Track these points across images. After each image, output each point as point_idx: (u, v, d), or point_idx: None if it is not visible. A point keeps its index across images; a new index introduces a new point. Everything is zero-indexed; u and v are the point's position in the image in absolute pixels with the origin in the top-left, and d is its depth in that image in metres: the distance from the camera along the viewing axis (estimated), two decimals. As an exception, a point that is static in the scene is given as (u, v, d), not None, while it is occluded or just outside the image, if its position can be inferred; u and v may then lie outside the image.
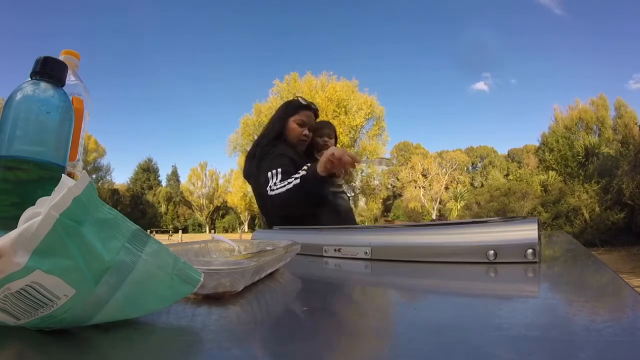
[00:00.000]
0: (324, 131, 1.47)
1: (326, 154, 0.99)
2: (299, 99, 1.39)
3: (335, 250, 0.65)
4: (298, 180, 1.05)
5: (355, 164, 1.00)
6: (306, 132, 1.33)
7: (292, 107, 1.34)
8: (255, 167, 1.25)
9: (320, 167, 1.01)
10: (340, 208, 1.28)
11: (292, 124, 1.31)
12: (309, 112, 1.34)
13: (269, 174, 1.15)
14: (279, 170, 1.14)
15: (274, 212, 1.18)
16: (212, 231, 29.10)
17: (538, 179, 15.74)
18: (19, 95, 0.36)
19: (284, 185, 1.08)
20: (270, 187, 1.12)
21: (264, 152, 1.25)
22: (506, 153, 29.24)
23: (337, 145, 1.54)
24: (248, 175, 1.35)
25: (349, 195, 1.45)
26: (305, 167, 1.07)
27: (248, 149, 1.45)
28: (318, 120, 1.42)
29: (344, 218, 1.27)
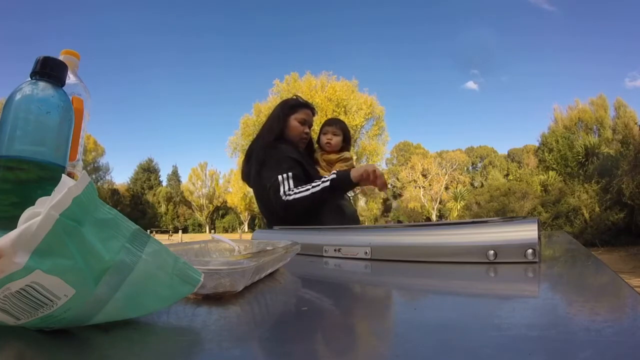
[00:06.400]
0: (328, 128, 1.47)
1: (370, 167, 1.09)
2: (297, 97, 1.38)
3: (335, 250, 0.65)
4: (328, 183, 1.08)
5: (382, 188, 1.10)
6: (307, 130, 1.32)
7: (291, 106, 1.33)
8: (256, 169, 1.23)
9: (355, 174, 1.08)
10: (345, 209, 1.28)
11: (294, 121, 1.29)
12: (308, 110, 1.33)
13: (279, 177, 1.13)
14: (290, 174, 1.13)
15: (287, 216, 1.12)
16: (212, 231, 29.08)
17: (538, 179, 15.71)
18: (18, 95, 0.36)
19: (307, 189, 1.09)
20: (285, 192, 1.11)
21: (266, 154, 1.22)
22: (506, 153, 29.28)
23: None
24: (247, 177, 1.34)
25: (349, 195, 1.45)
26: (334, 172, 1.13)
27: (247, 149, 1.44)
28: (328, 117, 1.44)
29: (348, 219, 1.26)
